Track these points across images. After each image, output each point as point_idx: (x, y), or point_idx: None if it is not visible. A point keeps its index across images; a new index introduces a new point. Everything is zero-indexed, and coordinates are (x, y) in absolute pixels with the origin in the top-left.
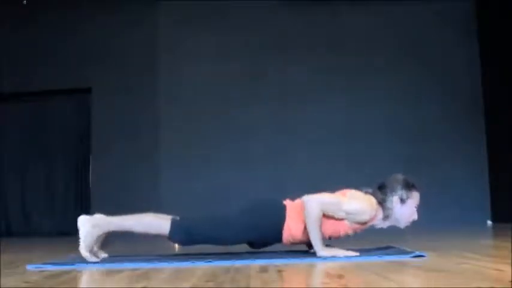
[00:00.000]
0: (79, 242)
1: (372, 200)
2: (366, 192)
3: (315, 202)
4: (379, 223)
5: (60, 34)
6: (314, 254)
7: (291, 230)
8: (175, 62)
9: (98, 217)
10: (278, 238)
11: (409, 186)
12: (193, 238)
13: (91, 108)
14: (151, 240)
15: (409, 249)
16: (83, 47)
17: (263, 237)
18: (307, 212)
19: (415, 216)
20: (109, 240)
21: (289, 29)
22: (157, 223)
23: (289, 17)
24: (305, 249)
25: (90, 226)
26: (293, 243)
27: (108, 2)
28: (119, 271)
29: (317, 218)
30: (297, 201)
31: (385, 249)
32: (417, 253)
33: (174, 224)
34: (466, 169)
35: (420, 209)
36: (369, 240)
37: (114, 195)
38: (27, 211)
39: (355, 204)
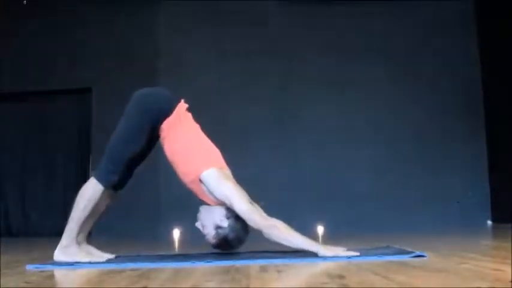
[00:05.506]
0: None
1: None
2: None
3: (277, 225)
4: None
5: (61, 34)
6: (314, 254)
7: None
8: (175, 62)
9: (63, 242)
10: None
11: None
12: (119, 168)
13: (91, 108)
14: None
15: (409, 249)
16: (83, 47)
17: (153, 114)
18: (277, 237)
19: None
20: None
21: (289, 29)
22: (89, 191)
23: (289, 17)
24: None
25: (70, 254)
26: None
27: (108, 2)
28: (119, 271)
29: (290, 234)
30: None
31: (385, 249)
32: (417, 253)
33: (96, 176)
34: (466, 169)
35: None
36: (369, 240)
37: None
38: (27, 211)
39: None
